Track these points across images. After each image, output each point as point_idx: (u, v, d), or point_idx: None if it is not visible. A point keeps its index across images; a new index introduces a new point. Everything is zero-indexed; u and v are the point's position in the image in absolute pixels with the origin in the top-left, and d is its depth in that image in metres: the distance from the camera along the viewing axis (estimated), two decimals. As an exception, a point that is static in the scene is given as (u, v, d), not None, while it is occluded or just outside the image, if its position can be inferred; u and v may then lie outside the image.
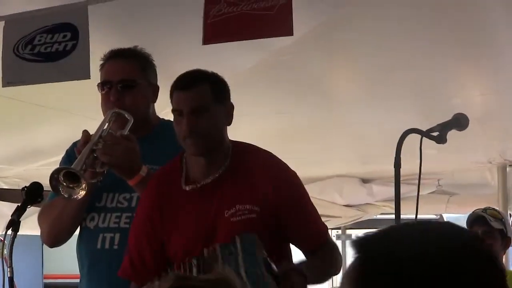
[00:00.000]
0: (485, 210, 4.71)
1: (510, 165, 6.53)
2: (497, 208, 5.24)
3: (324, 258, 2.91)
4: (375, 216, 7.69)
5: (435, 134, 3.04)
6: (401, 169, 3.02)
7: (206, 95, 2.83)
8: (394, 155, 3.01)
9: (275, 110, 5.23)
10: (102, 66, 3.25)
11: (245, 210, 2.78)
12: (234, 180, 2.84)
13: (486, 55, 4.40)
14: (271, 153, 2.95)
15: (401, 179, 3.06)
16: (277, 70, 4.52)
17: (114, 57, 3.25)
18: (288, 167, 2.93)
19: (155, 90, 3.29)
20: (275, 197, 2.81)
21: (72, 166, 2.95)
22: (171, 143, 2.99)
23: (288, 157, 2.97)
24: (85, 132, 3.08)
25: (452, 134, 3.15)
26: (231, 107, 2.93)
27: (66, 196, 2.98)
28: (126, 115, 3.13)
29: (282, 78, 4.70)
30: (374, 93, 4.96)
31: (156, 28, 3.89)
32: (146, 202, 2.98)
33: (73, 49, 3.32)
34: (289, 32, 3.07)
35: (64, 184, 2.96)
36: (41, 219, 3.29)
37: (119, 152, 2.99)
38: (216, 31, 3.11)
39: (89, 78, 3.30)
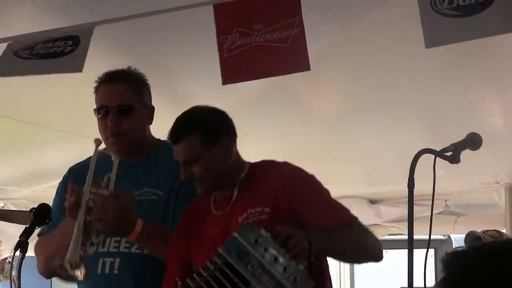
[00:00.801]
0: (486, 231, 4.67)
1: (517, 186, 6.53)
2: (504, 231, 5.22)
3: (341, 235, 2.82)
4: (383, 237, 7.67)
5: (448, 154, 3.02)
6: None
7: (195, 146, 2.82)
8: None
9: (284, 130, 5.23)
10: (96, 88, 3.22)
11: (256, 212, 2.81)
12: (247, 191, 2.89)
13: (495, 77, 4.40)
14: (288, 163, 2.95)
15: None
16: (286, 91, 4.52)
17: (109, 80, 3.21)
18: (301, 169, 2.94)
19: (151, 112, 3.27)
20: (285, 195, 2.82)
21: (69, 258, 2.89)
22: (171, 165, 2.96)
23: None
24: (71, 187, 2.99)
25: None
26: (229, 142, 2.90)
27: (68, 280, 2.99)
28: (113, 157, 3.07)
29: (291, 99, 4.71)
30: (382, 115, 4.96)
31: (167, 50, 3.90)
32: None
33: (71, 52, 3.31)
34: (306, 67, 2.99)
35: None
36: (37, 250, 3.23)
37: (110, 216, 2.91)
38: (233, 68, 3.06)
39: (81, 72, 3.28)
